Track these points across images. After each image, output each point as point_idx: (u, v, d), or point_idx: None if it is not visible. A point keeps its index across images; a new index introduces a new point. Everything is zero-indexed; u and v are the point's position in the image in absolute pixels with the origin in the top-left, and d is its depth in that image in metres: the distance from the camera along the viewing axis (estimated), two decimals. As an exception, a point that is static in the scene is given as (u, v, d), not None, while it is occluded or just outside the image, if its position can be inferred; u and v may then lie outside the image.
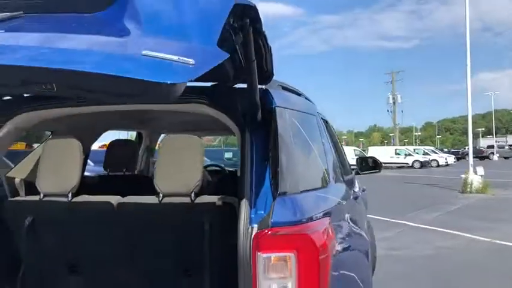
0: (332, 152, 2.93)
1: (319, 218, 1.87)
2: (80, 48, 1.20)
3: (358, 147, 51.69)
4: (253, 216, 1.64)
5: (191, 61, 1.12)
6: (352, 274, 2.21)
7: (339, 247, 1.99)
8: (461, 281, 5.36)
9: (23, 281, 2.27)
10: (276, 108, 1.94)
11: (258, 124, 1.88)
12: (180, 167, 1.99)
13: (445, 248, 7.05)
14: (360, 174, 4.49)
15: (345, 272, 2.07)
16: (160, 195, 1.98)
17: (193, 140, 2.08)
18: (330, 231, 1.86)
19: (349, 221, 2.47)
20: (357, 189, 3.59)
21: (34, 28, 1.36)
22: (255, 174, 1.76)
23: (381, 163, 4.63)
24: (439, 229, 8.64)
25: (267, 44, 1.74)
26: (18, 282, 2.28)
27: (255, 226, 1.62)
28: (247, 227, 1.61)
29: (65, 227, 2.10)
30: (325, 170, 2.55)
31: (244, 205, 1.67)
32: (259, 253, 1.58)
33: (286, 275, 1.58)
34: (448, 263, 6.18)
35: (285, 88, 2.45)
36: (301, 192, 1.90)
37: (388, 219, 9.58)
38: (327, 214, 1.99)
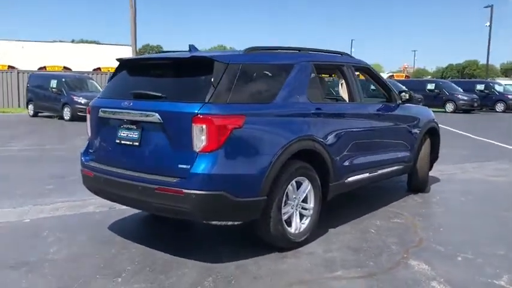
0: (316, 86, 4.61)
1: (229, 114, 3.61)
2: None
3: None
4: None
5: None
6: (255, 151, 3.78)
7: (246, 132, 3.70)
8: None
9: None
10: (229, 64, 3.75)
11: (219, 74, 3.67)
12: None
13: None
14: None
15: (244, 147, 3.72)
16: None
17: None
18: (237, 122, 3.62)
19: (279, 123, 4.02)
20: (382, 112, 5.50)
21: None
22: (208, 96, 3.58)
23: (412, 96, 5.93)
24: None
25: None
26: None
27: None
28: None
29: None
30: (279, 94, 4.11)
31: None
32: (192, 124, 3.50)
33: (203, 133, 3.49)
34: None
35: (264, 49, 4.41)
36: (228, 103, 3.66)
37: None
38: (241, 114, 3.67)
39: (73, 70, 29.96)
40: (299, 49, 4.71)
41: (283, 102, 4.13)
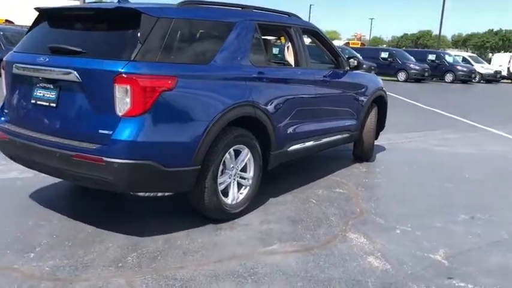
0: (260, 48, 4.31)
1: (157, 74, 3.26)
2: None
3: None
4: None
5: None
6: (186, 115, 3.47)
7: (178, 96, 3.37)
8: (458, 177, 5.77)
9: None
10: (160, 19, 3.38)
11: (147, 28, 3.30)
12: None
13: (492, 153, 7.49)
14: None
15: (175, 112, 3.40)
16: None
17: None
18: (167, 84, 3.28)
19: (215, 86, 3.71)
20: (327, 78, 5.20)
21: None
22: (134, 53, 3.21)
23: (361, 63, 5.84)
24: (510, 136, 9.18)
25: None
26: None
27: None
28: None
29: None
30: (218, 55, 3.76)
31: None
32: (115, 84, 3.15)
33: (127, 95, 3.14)
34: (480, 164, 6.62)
35: (202, 3, 4.06)
36: (157, 62, 3.31)
37: (480, 126, 10.44)
38: (172, 74, 3.33)
39: (16, 24, 28.08)
40: (242, 6, 4.36)
41: (222, 64, 3.81)
